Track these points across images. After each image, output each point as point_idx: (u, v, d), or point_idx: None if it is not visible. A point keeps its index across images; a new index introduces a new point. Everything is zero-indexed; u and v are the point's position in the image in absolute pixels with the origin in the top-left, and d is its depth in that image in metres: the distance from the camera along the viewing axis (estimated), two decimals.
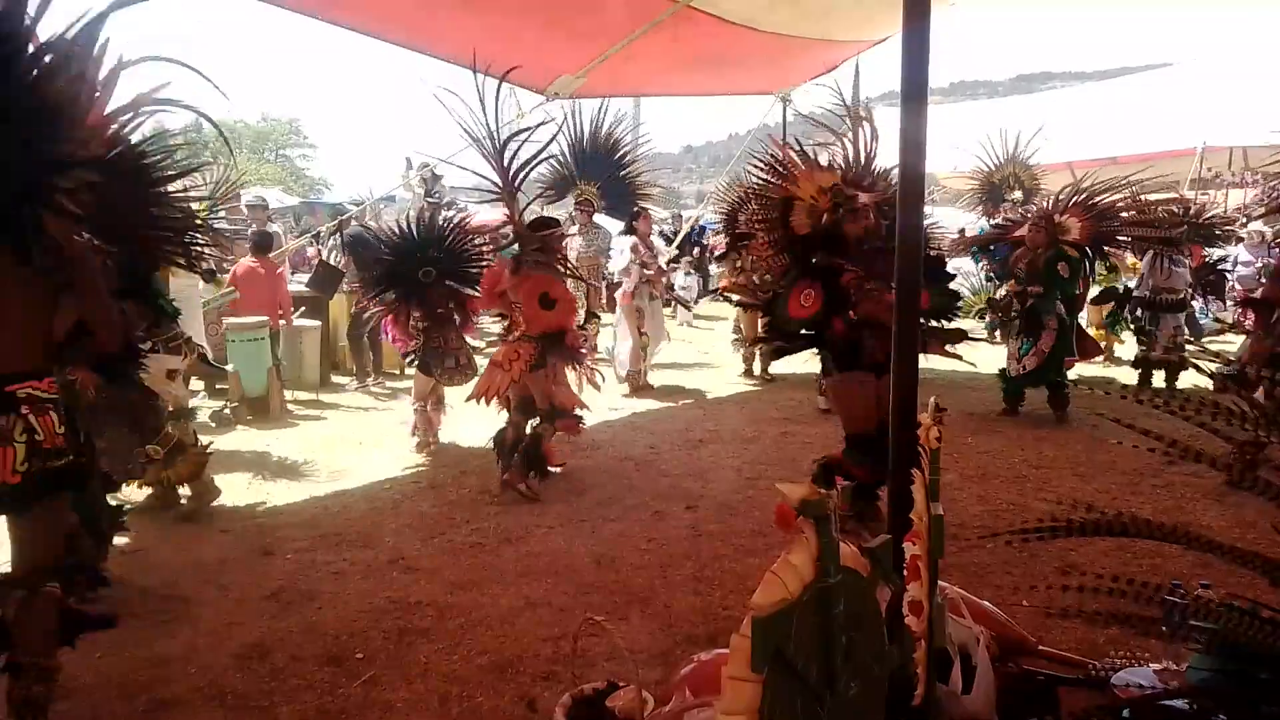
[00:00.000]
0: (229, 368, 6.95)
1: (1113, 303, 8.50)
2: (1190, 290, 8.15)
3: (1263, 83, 11.95)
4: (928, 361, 7.72)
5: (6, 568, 2.66)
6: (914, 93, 2.46)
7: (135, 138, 2.86)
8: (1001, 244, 7.54)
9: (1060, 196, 6.98)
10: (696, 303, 14.32)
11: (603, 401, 7.14)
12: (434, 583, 3.85)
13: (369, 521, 4.68)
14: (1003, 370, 7.10)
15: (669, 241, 14.83)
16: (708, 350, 10.87)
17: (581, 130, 7.59)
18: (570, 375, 5.42)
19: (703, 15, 6.67)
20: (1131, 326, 8.31)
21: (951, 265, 11.89)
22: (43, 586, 2.57)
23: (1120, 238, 6.97)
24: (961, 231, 9.38)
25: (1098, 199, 6.77)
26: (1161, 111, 12.76)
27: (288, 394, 7.57)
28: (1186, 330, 8.66)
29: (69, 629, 2.68)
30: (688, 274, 14.25)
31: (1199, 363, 4.33)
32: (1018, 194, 9.74)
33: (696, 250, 14.47)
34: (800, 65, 8.43)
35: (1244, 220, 10.63)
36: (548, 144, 5.33)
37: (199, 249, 3.28)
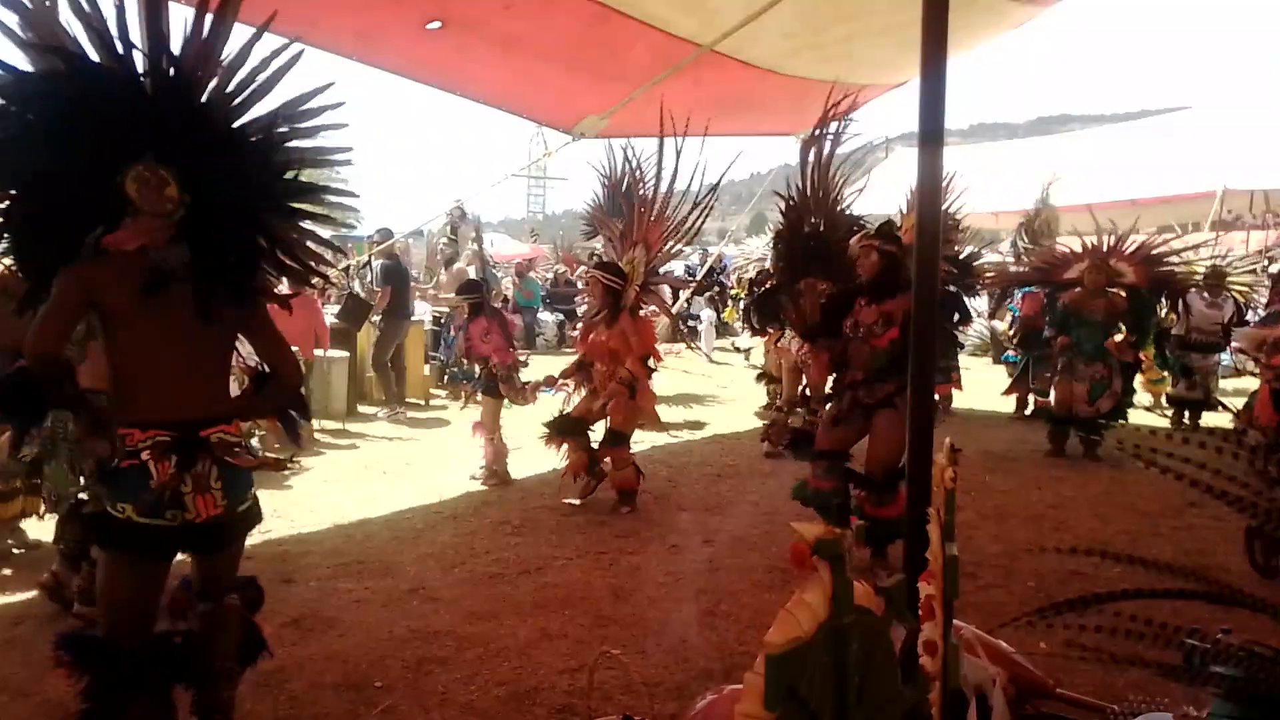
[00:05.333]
0: None
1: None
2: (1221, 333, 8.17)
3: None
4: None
5: None
6: (931, 137, 2.52)
7: None
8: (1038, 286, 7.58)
9: (1100, 241, 7.01)
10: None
11: None
12: (453, 612, 3.88)
13: (391, 550, 4.73)
14: (1046, 412, 7.06)
15: (692, 275, 14.95)
16: (726, 384, 10.90)
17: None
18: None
19: (727, 60, 6.81)
20: (1171, 365, 8.38)
21: (971, 305, 11.97)
22: (224, 598, 2.65)
23: (1176, 277, 7.04)
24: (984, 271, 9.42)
25: (1140, 249, 6.85)
26: (1181, 154, 12.77)
27: (315, 423, 7.67)
28: (1220, 370, 8.71)
29: (250, 646, 2.77)
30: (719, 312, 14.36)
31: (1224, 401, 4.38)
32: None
33: (717, 287, 14.57)
34: (821, 108, 8.54)
35: (1265, 264, 10.61)
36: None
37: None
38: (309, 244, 2.75)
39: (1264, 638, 1.88)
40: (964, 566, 2.60)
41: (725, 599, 4.01)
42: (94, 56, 2.33)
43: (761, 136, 9.60)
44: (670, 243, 5.62)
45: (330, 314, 9.13)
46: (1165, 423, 8.26)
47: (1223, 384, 9.23)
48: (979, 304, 12.30)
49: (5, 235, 2.44)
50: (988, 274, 8.23)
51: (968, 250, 8.03)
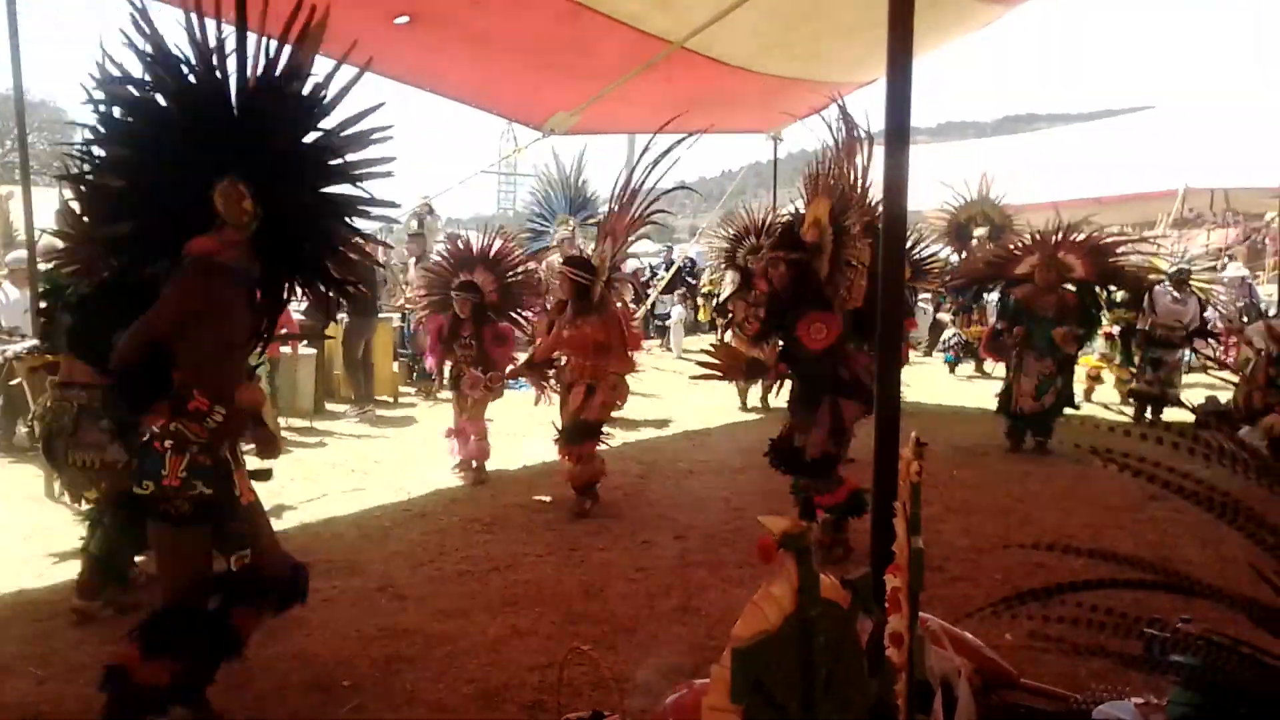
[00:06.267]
0: None
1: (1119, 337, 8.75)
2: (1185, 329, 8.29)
3: (1242, 126, 12.22)
4: (911, 393, 7.86)
5: None
6: (897, 135, 2.54)
7: None
8: (979, 282, 7.67)
9: (1043, 234, 7.08)
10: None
11: None
12: (422, 610, 3.85)
13: (359, 549, 4.69)
14: (1004, 408, 7.13)
15: (653, 275, 14.94)
16: (697, 381, 10.92)
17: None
18: None
19: (698, 57, 6.82)
20: (1135, 360, 8.53)
21: (921, 298, 12.15)
22: None
23: (1122, 273, 7.12)
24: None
25: (1089, 238, 6.93)
26: (1144, 153, 13.00)
27: (282, 421, 7.57)
28: (1186, 365, 8.88)
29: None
30: (682, 306, 14.35)
31: (1183, 399, 4.46)
32: (982, 230, 9.99)
33: (684, 286, 14.58)
34: (791, 105, 8.60)
35: (1224, 262, 10.83)
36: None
37: None
38: (354, 255, 3.01)
39: (1222, 627, 1.92)
40: (931, 559, 2.63)
41: (696, 594, 4.02)
42: (192, 81, 2.62)
43: (733, 134, 9.64)
44: (633, 234, 5.58)
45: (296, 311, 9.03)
46: (1124, 418, 8.39)
47: (1185, 379, 9.39)
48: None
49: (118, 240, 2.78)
50: (938, 270, 8.35)
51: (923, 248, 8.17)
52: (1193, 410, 4.17)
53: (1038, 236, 7.10)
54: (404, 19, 5.72)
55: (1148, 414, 8.14)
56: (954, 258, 10.02)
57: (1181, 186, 11.91)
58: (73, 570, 4.03)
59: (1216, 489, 1.74)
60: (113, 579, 3.80)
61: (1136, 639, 1.81)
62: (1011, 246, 7.46)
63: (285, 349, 7.78)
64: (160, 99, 2.63)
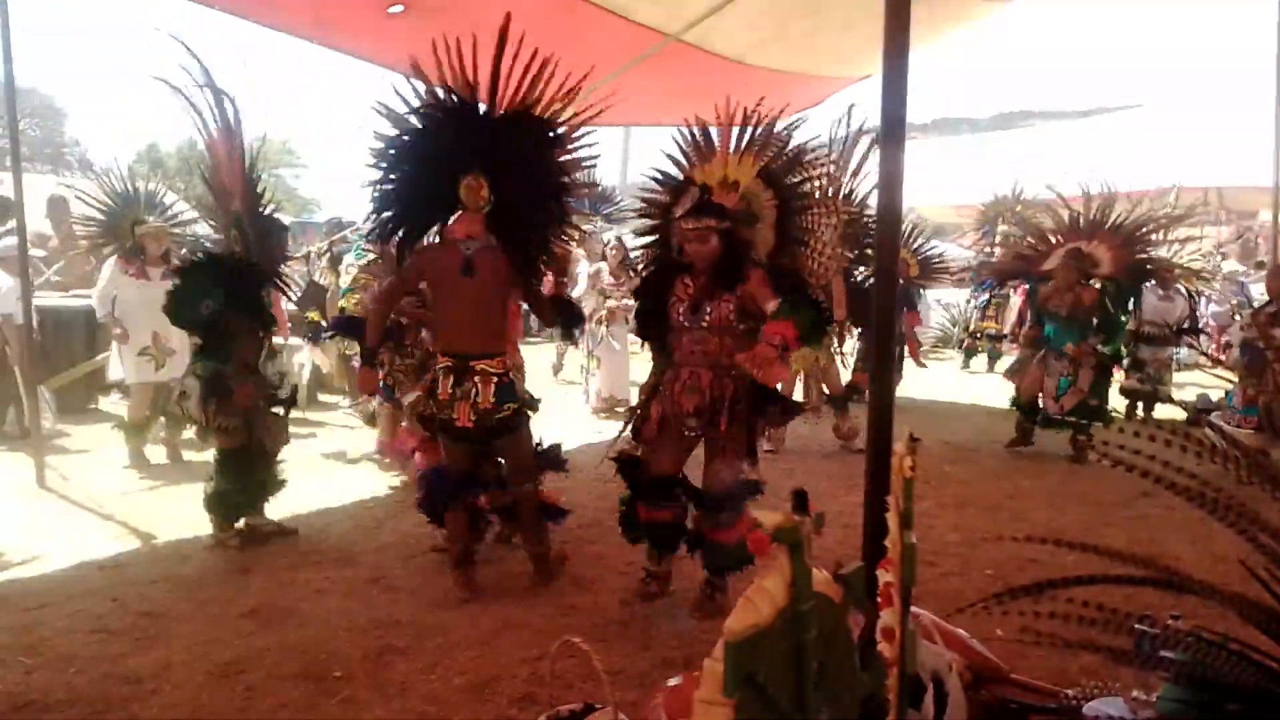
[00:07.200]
0: None
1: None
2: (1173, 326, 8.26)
3: (1234, 124, 12.25)
4: (905, 390, 7.88)
5: None
6: (893, 129, 2.54)
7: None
8: (1010, 277, 7.54)
9: (1074, 221, 6.86)
10: None
11: (586, 424, 7.18)
12: (414, 602, 3.85)
13: (350, 540, 4.68)
14: (1015, 401, 6.98)
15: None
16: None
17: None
18: None
19: (692, 50, 6.79)
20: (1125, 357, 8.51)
21: (934, 295, 12.14)
22: (524, 486, 4.03)
23: (1155, 268, 6.95)
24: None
25: (1124, 224, 6.66)
26: (1137, 150, 13.02)
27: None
28: (1175, 363, 8.84)
29: (549, 512, 4.20)
30: None
31: (1174, 396, 4.47)
32: (1004, 227, 9.92)
33: None
34: (787, 99, 8.58)
35: (1220, 258, 10.85)
36: None
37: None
38: (564, 231, 4.07)
39: (1212, 623, 1.93)
40: (923, 554, 2.63)
41: (688, 587, 4.02)
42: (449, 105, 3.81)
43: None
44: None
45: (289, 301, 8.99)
46: (1116, 415, 8.40)
47: (1176, 377, 9.43)
48: (946, 295, 12.51)
49: (388, 222, 3.90)
50: (951, 269, 8.27)
51: (930, 245, 8.08)
52: (1184, 408, 4.18)
53: (1065, 223, 6.82)
54: (398, 8, 5.68)
55: (1139, 411, 8.15)
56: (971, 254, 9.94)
57: (1174, 184, 11.96)
58: (63, 560, 4.05)
59: (1209, 484, 1.75)
60: (228, 515, 4.58)
61: (1127, 635, 1.81)
62: (1043, 236, 7.08)
63: (279, 340, 7.74)
64: (427, 124, 3.79)
